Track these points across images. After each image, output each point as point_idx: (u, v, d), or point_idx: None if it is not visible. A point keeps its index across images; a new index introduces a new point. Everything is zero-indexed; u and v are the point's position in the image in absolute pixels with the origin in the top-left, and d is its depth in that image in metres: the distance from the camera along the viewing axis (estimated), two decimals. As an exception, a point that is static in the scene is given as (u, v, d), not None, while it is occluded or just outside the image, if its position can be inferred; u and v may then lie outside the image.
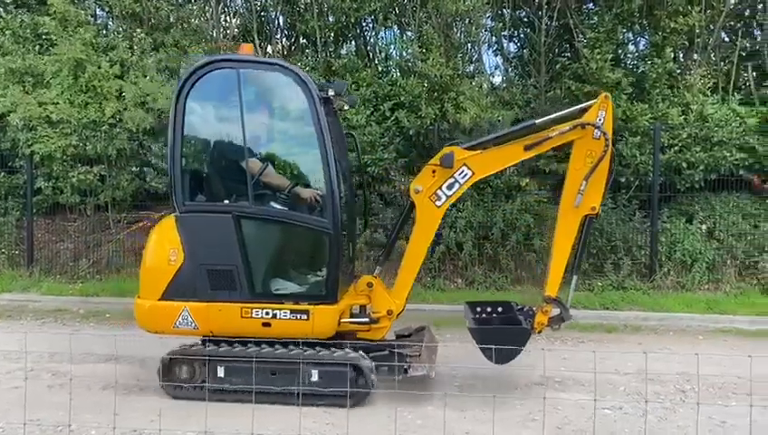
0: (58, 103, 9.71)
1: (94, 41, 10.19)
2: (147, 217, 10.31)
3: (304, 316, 4.94)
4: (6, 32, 10.67)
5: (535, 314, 5.18)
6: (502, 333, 5.16)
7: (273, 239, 5.21)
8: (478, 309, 5.66)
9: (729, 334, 7.48)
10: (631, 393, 5.38)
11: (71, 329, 7.53)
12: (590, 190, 4.91)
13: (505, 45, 11.73)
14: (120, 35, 10.82)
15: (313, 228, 5.10)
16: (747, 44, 11.05)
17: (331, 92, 5.12)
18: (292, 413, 4.54)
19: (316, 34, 10.78)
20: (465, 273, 9.49)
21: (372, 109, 9.93)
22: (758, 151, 9.48)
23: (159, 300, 5.01)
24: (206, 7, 11.99)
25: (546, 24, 10.42)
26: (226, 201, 5.06)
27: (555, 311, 5.18)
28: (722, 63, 10.66)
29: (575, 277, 5.26)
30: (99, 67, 9.80)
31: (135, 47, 10.40)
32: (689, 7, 9.77)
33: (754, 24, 11.48)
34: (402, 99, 9.94)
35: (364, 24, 11.81)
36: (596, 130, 4.89)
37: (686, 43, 10.42)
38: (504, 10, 10.97)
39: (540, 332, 5.22)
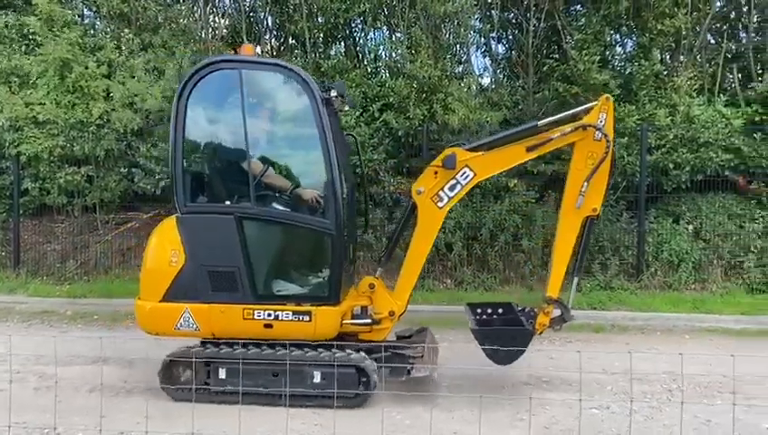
0: (44, 104, 9.65)
1: (81, 41, 10.12)
2: (135, 217, 10.29)
3: (307, 318, 4.94)
4: (-8, 32, 10.59)
5: (537, 315, 5.22)
6: (505, 333, 5.17)
7: (276, 240, 5.20)
8: (479, 310, 5.69)
9: (715, 334, 7.54)
10: (618, 393, 5.41)
11: (58, 331, 7.49)
12: (591, 192, 4.95)
13: (494, 47, 11.78)
14: (108, 35, 10.76)
15: (316, 229, 5.07)
16: (732, 46, 11.16)
17: (333, 93, 5.12)
18: (280, 414, 4.54)
19: (305, 35, 10.77)
20: (454, 273, 9.54)
21: (361, 110, 9.94)
22: (743, 152, 9.57)
23: (161, 302, 4.98)
24: (195, 8, 11.95)
25: (534, 26, 10.47)
26: (228, 202, 5.03)
27: (556, 311, 5.22)
28: (708, 65, 10.75)
29: (576, 278, 5.30)
30: (86, 67, 9.75)
31: (123, 47, 10.37)
32: (676, 9, 9.86)
33: (740, 26, 11.60)
34: (391, 100, 9.96)
35: (353, 25, 11.81)
36: (597, 132, 4.93)
37: (673, 44, 10.52)
38: (493, 11, 11.00)
39: (541, 332, 5.25)
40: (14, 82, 10.13)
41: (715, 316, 8.10)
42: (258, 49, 11.83)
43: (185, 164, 5.07)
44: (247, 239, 4.93)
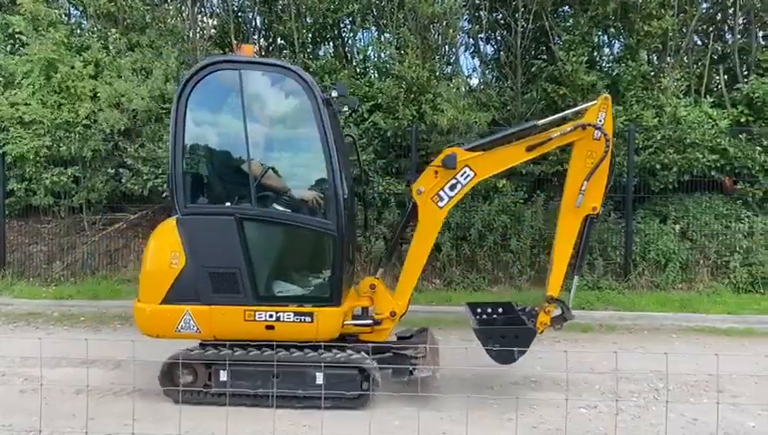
0: (30, 104, 9.57)
1: (67, 40, 10.05)
2: (123, 218, 10.22)
3: (308, 319, 4.91)
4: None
5: (537, 314, 5.23)
6: (507, 333, 5.16)
7: (277, 241, 5.18)
8: (479, 310, 5.69)
9: (702, 333, 7.61)
10: (606, 392, 5.44)
11: (44, 332, 7.41)
12: (590, 190, 4.99)
13: (482, 47, 11.82)
14: (95, 35, 10.66)
15: (317, 230, 5.06)
16: (718, 48, 11.26)
17: (333, 94, 5.12)
18: (267, 415, 4.52)
19: (294, 35, 10.74)
20: (443, 273, 9.55)
21: (350, 110, 9.92)
22: (729, 153, 9.67)
23: (161, 304, 4.93)
24: (183, 7, 11.88)
25: (522, 27, 10.51)
26: (228, 203, 5.00)
27: (557, 311, 5.24)
28: (694, 66, 10.84)
29: (576, 277, 5.33)
30: (72, 67, 9.68)
31: (110, 47, 10.28)
32: (663, 11, 9.95)
33: (726, 27, 11.71)
34: (380, 100, 9.97)
35: (342, 26, 11.81)
36: (596, 131, 4.97)
37: (660, 46, 10.60)
38: (481, 12, 11.03)
39: (542, 332, 5.27)
40: (-1, 81, 10.05)
41: (702, 316, 8.17)
42: (247, 49, 11.76)
43: (185, 165, 5.02)
44: (248, 240, 4.90)
